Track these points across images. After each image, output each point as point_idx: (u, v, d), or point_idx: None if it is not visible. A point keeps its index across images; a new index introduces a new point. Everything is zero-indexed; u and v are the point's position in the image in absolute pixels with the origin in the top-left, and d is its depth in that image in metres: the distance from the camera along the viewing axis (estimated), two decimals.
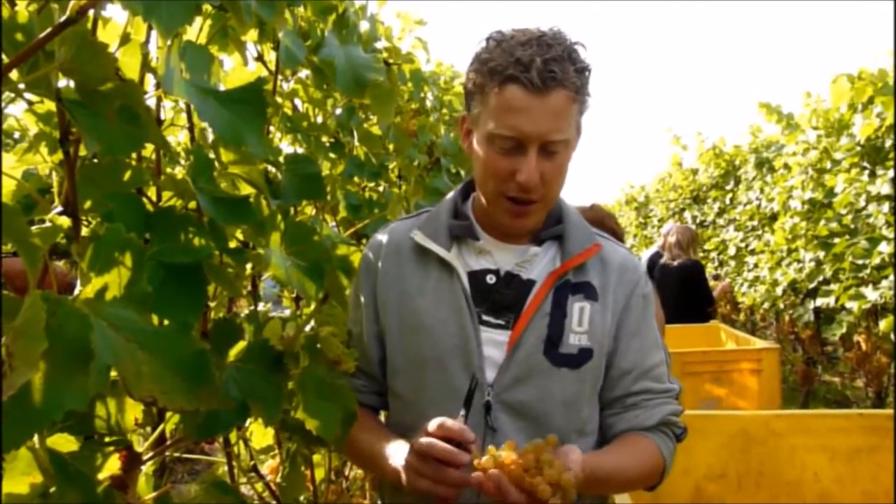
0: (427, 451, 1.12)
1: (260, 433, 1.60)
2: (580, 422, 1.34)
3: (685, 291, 5.69)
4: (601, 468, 1.24)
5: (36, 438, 0.75)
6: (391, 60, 2.04)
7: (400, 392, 1.39)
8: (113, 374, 0.75)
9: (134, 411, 0.94)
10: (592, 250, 1.35)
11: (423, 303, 1.34)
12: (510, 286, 1.33)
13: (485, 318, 1.32)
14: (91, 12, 0.83)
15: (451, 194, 1.45)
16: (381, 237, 1.44)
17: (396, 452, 1.24)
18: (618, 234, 2.97)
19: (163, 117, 1.09)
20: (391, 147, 2.06)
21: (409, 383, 1.37)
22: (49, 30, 0.57)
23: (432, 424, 1.15)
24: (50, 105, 0.95)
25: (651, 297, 1.42)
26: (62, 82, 0.71)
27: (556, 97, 1.19)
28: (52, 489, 0.76)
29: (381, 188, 2.12)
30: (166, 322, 0.86)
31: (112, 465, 0.88)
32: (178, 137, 1.46)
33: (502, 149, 1.23)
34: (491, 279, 1.34)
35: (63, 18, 0.58)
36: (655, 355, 1.40)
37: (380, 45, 2.07)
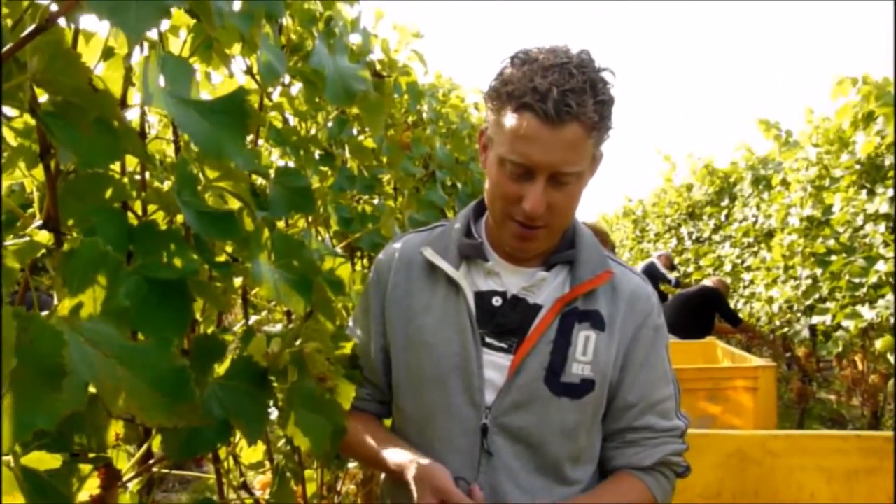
0: None
1: (250, 449, 1.58)
2: (577, 450, 1.33)
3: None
4: None
5: (11, 457, 0.73)
6: (386, 72, 2.03)
7: (402, 406, 1.39)
8: (92, 390, 0.74)
9: (115, 428, 0.93)
10: (603, 277, 1.32)
11: (427, 320, 1.33)
12: (515, 310, 1.31)
13: (488, 340, 1.30)
14: (72, 26, 0.82)
15: (464, 211, 1.43)
16: (395, 248, 1.43)
17: (406, 467, 1.27)
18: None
19: (151, 132, 1.08)
20: (384, 160, 2.05)
21: (411, 399, 1.36)
22: (20, 38, 0.55)
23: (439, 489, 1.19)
24: (29, 118, 0.93)
25: (664, 329, 1.39)
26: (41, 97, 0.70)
27: (570, 130, 1.15)
28: None
29: (375, 201, 2.10)
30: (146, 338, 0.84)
31: (91, 484, 0.86)
32: (166, 151, 1.45)
33: (512, 173, 1.20)
34: (497, 301, 1.32)
35: (33, 27, 0.56)
36: (664, 389, 1.37)
37: (375, 56, 2.06)
